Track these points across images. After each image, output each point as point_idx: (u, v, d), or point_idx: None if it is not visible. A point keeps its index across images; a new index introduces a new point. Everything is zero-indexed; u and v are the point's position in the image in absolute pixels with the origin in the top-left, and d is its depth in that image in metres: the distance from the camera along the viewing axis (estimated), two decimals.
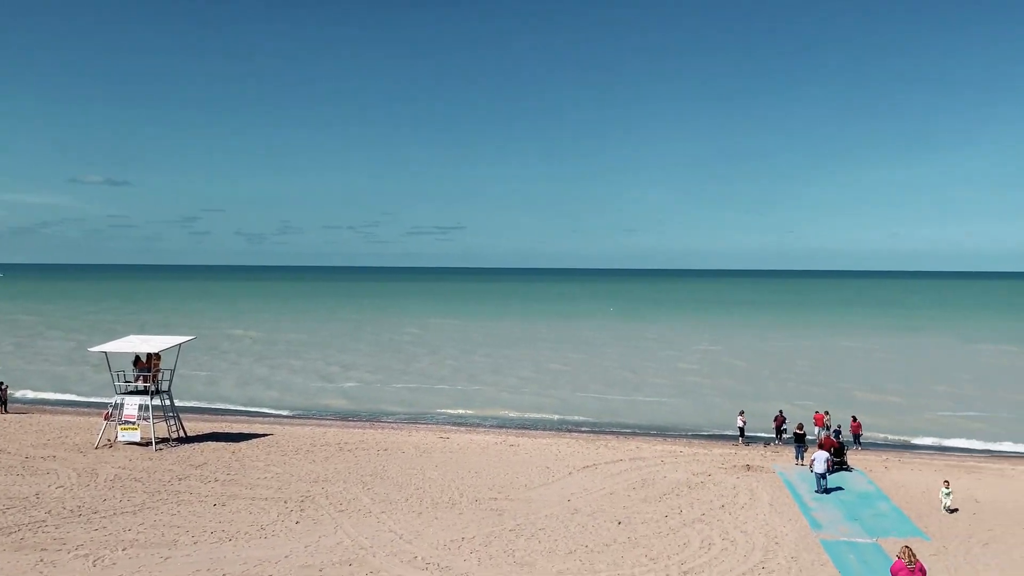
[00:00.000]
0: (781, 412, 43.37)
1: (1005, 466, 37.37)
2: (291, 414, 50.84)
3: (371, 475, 32.56)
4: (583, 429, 46.72)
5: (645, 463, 35.58)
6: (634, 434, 44.88)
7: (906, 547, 19.26)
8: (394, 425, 46.03)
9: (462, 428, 45.63)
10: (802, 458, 35.94)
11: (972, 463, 38.09)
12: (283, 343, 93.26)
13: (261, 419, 47.58)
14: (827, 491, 31.11)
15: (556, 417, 50.32)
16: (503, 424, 48.04)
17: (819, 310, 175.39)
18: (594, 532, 25.42)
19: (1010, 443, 44.34)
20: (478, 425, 47.42)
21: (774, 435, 42.14)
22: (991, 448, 43.34)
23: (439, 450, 37.88)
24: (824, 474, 31.35)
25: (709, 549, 23.93)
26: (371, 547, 23.71)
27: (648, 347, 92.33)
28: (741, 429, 42.21)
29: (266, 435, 40.76)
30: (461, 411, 52.10)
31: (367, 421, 48.05)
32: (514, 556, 23.09)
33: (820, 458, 31.45)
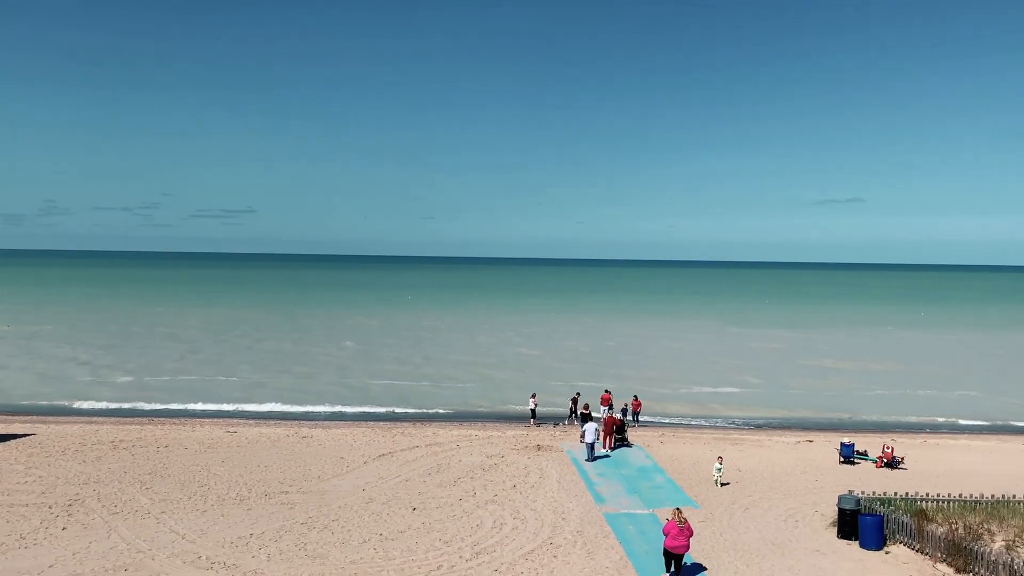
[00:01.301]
0: (578, 393, 45.43)
1: (763, 437, 41.37)
2: (57, 411, 46.35)
3: (150, 474, 30.50)
4: (379, 418, 46.42)
5: (441, 448, 35.95)
6: (431, 420, 45.23)
7: (677, 509, 21.33)
8: (176, 420, 43.28)
9: (251, 421, 43.75)
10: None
11: (736, 436, 41.85)
12: (44, 334, 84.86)
13: (22, 417, 43.05)
14: (596, 458, 34.23)
15: (351, 409, 49.51)
16: (295, 416, 46.64)
17: (600, 296, 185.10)
18: (389, 520, 25.36)
19: (765, 416, 49.25)
20: (268, 418, 45.72)
21: (570, 415, 43.99)
22: (752, 420, 47.88)
23: (226, 445, 36.15)
24: (593, 443, 34.39)
25: (501, 528, 24.63)
26: (150, 550, 22.23)
27: (443, 334, 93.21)
28: (533, 411, 43.74)
29: (27, 435, 36.96)
30: (248, 404, 49.93)
31: (145, 417, 44.85)
32: (306, 549, 22.55)
33: (589, 428, 34.52)
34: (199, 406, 48.76)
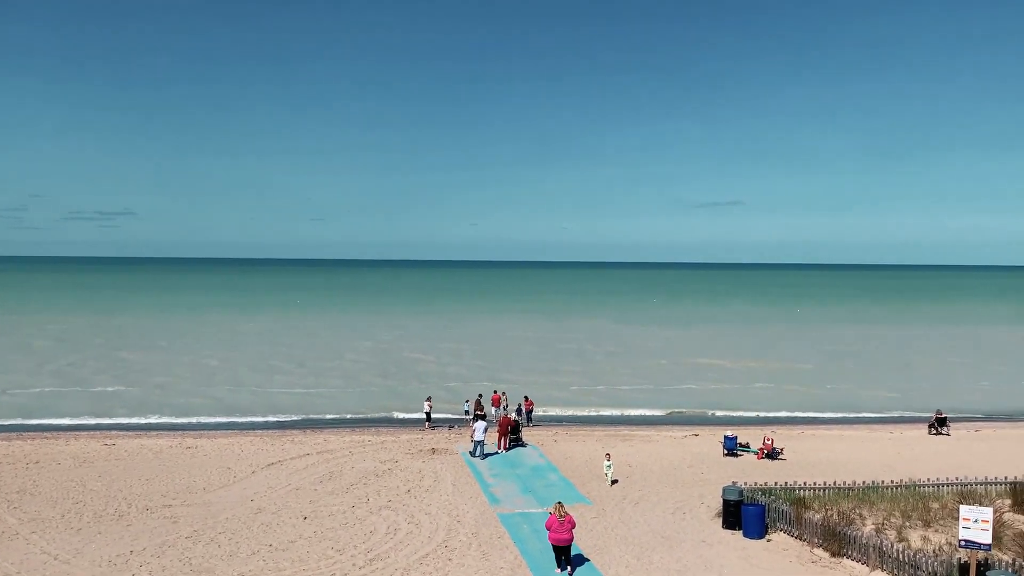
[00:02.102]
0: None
1: (651, 432, 42.52)
2: None
3: (18, 492, 28.66)
4: (268, 426, 45.17)
5: (333, 455, 35.28)
6: (322, 427, 44.31)
7: (558, 503, 21.79)
8: (47, 435, 40.82)
9: (131, 433, 41.73)
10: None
11: (627, 432, 42.85)
12: None
13: None
14: (486, 456, 34.86)
15: (238, 418, 47.96)
16: (179, 427, 44.81)
17: (490, 297, 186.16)
18: (278, 530, 24.69)
19: (654, 412, 50.66)
20: (150, 429, 43.76)
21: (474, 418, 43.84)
22: (641, 417, 49.15)
23: (103, 458, 34.36)
24: (483, 441, 34.94)
25: (395, 534, 24.37)
26: (19, 573, 20.88)
27: (333, 338, 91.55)
28: (428, 414, 43.51)
29: None
30: (128, 416, 47.66)
31: (13, 432, 42.08)
32: (191, 564, 21.68)
33: (479, 427, 35.15)
34: (68, 420, 46.03)
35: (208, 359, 72.54)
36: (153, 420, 46.51)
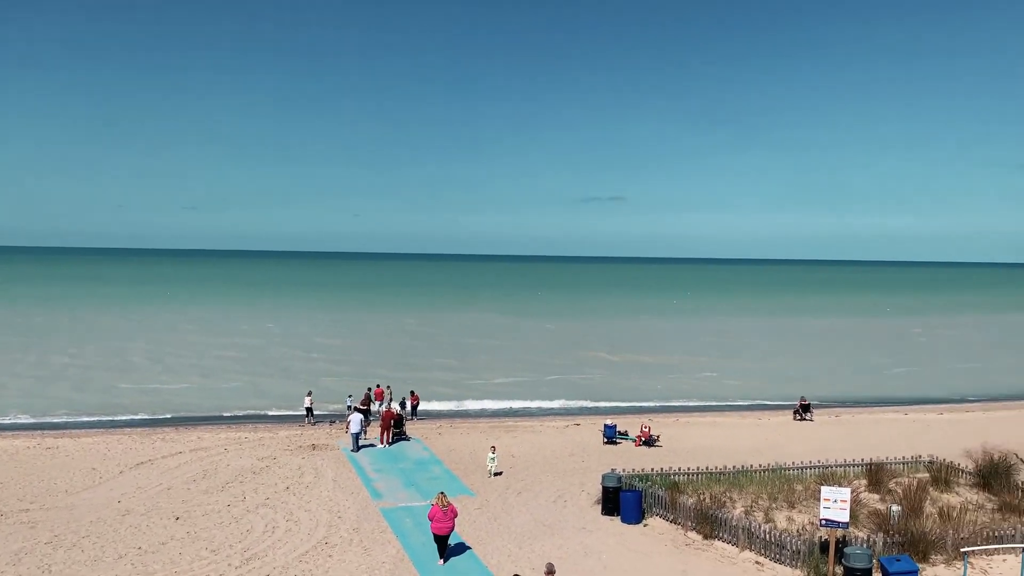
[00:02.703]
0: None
1: (535, 423, 43.10)
2: None
3: None
4: (138, 424, 43.07)
5: (208, 453, 34.02)
6: (196, 424, 42.59)
7: (441, 493, 21.96)
8: None
9: None
10: (364, 432, 37.47)
11: (511, 423, 43.27)
12: None
13: None
14: (359, 447, 34.78)
15: (105, 416, 45.52)
16: (38, 426, 42.11)
17: (374, 290, 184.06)
18: (148, 532, 23.61)
19: (537, 402, 51.39)
20: (4, 429, 40.95)
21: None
22: (526, 408, 49.76)
23: None
24: (358, 434, 34.80)
25: (273, 532, 23.74)
26: None
27: (203, 330, 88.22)
28: (309, 409, 42.53)
29: None
30: None
31: None
32: (51, 571, 20.44)
33: (354, 419, 34.97)
34: None
35: (73, 354, 68.46)
36: (7, 421, 43.53)
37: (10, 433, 39.20)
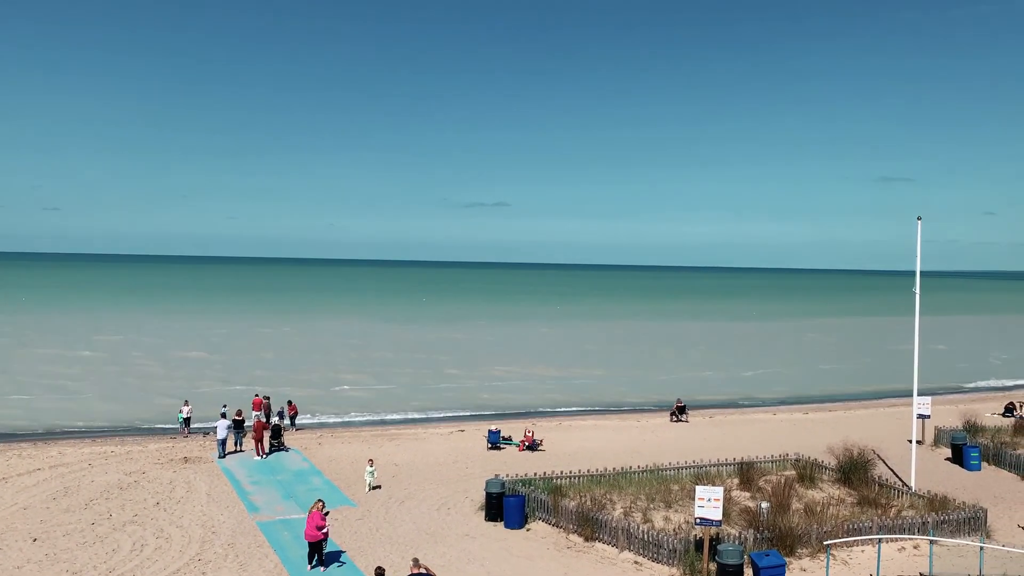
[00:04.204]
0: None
1: (419, 430, 42.80)
2: None
3: None
4: None
5: (69, 469, 32.05)
6: (56, 438, 40.03)
7: (319, 500, 22.08)
8: None
9: None
10: (240, 444, 36.26)
11: (394, 431, 42.80)
12: None
13: None
14: (225, 455, 34.74)
15: None
16: None
17: (248, 295, 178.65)
18: (2, 555, 22.02)
19: (421, 409, 51.08)
20: None
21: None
22: (409, 417, 49.28)
23: None
24: (224, 440, 34.76)
25: (142, 550, 22.60)
26: None
27: (60, 337, 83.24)
28: (187, 419, 40.72)
29: None
30: None
31: None
32: None
33: (221, 426, 35.06)
34: None
35: None
36: None
37: None
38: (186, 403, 41.79)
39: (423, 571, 18.59)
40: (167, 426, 43.18)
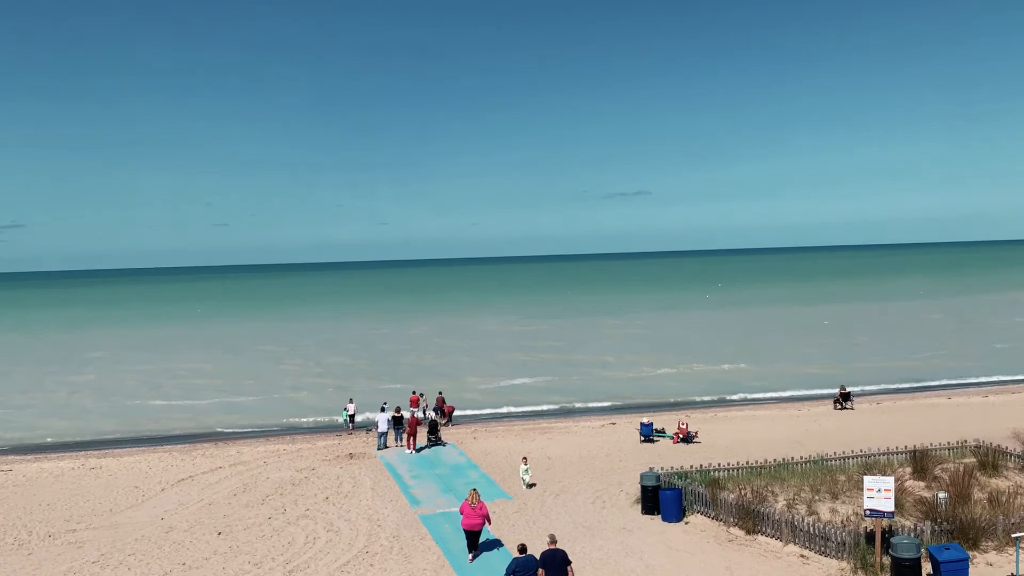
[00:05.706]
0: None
1: (570, 424, 42.91)
2: None
3: None
4: (177, 440, 43.55)
5: (247, 467, 34.30)
6: (235, 438, 43.02)
7: (473, 490, 22.36)
8: None
9: (28, 456, 39.65)
10: (400, 439, 37.58)
11: (545, 424, 43.12)
12: None
13: None
14: (386, 446, 36.79)
15: (146, 433, 46.16)
16: (80, 446, 42.74)
17: (395, 297, 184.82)
18: (192, 548, 23.83)
19: (571, 402, 51.19)
20: (47, 450, 41.65)
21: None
22: (560, 409, 49.55)
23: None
24: (385, 433, 36.56)
25: (314, 543, 23.84)
26: None
27: (238, 348, 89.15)
28: (351, 416, 42.77)
29: None
30: (22, 438, 45.28)
31: None
32: None
33: (382, 419, 36.71)
34: None
35: (108, 374, 69.58)
36: (50, 441, 44.26)
37: (55, 455, 39.88)
38: (351, 400, 43.81)
39: (558, 547, 18.60)
40: (331, 423, 45.38)
